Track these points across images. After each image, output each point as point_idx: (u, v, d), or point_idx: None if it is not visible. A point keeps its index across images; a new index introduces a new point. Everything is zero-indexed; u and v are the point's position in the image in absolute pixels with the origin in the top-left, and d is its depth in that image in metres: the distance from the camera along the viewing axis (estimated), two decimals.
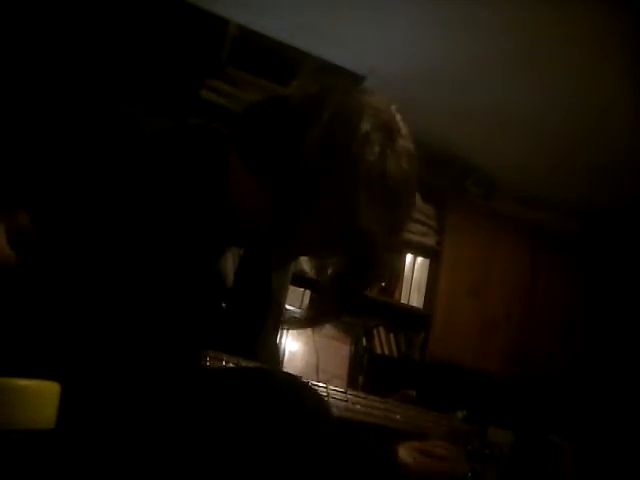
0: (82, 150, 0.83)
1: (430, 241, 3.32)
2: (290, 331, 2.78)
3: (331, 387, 0.94)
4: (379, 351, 3.14)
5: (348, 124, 0.79)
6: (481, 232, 3.38)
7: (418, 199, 3.31)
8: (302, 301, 2.95)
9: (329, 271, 0.88)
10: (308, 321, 0.97)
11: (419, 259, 3.31)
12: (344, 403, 0.95)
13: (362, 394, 0.99)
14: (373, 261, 0.82)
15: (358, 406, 0.97)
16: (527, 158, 3.16)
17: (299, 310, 2.88)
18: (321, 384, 0.94)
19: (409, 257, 3.29)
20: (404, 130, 0.84)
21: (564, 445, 3.13)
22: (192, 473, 0.69)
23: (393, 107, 0.85)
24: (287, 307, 2.88)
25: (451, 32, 2.37)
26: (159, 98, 2.37)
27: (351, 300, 0.88)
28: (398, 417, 1.02)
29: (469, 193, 3.36)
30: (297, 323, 1.14)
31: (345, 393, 0.96)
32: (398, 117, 0.84)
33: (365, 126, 0.78)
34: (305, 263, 0.97)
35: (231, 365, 0.83)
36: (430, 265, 3.32)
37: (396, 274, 3.23)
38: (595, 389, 3.24)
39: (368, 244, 0.79)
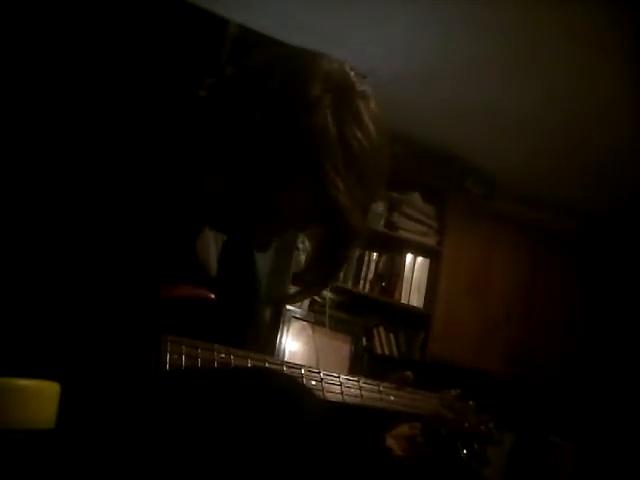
0: (65, 132, 0.84)
1: (430, 241, 3.32)
2: (290, 331, 2.78)
3: (324, 372, 0.94)
4: (379, 351, 3.14)
5: (296, 92, 0.76)
6: (481, 232, 3.38)
7: (418, 199, 3.31)
8: (302, 301, 2.95)
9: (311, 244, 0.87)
10: (297, 294, 0.96)
11: (419, 259, 3.31)
12: (337, 387, 0.95)
13: (355, 377, 0.99)
14: (348, 226, 0.79)
15: (352, 389, 0.97)
16: (527, 158, 3.16)
17: (299, 310, 2.89)
18: (314, 369, 0.94)
19: (409, 257, 3.29)
20: (361, 88, 0.79)
21: (564, 445, 3.13)
22: (190, 473, 0.69)
23: (347, 66, 0.81)
24: (287, 307, 2.88)
25: (451, 32, 2.37)
26: (159, 98, 2.37)
27: (334, 271, 0.87)
28: (392, 398, 1.02)
29: (469, 193, 3.36)
30: (289, 298, 1.13)
31: (338, 377, 0.96)
32: (353, 76, 0.80)
33: (314, 91, 0.75)
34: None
35: (222, 356, 0.83)
36: (430, 265, 3.32)
37: (396, 274, 3.24)
38: (595, 389, 3.24)
39: (338, 209, 0.76)
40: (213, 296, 0.85)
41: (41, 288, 0.77)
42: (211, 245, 0.94)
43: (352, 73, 0.80)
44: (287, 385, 0.77)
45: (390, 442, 1.03)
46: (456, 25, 2.32)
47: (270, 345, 1.16)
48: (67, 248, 0.79)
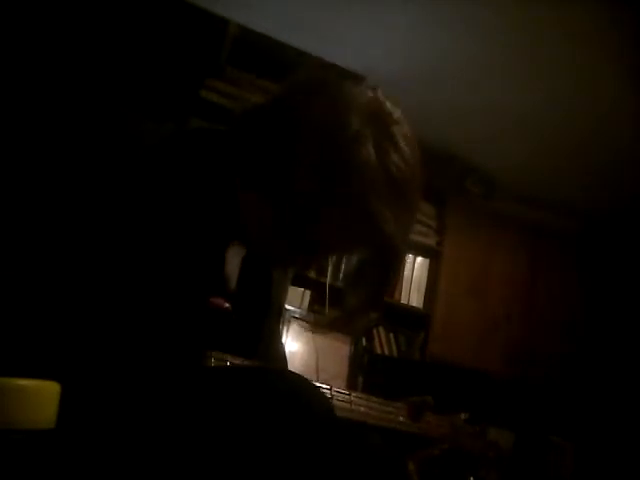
0: (86, 161, 0.84)
1: (430, 241, 3.32)
2: (290, 331, 2.78)
3: (335, 388, 0.94)
4: (379, 351, 3.14)
5: (336, 127, 0.76)
6: (481, 232, 3.38)
7: None
8: (302, 301, 2.95)
9: (351, 271, 0.87)
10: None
11: (419, 259, 3.31)
12: (347, 405, 0.95)
13: (365, 396, 0.99)
14: (392, 256, 0.81)
15: (362, 408, 0.97)
16: (527, 158, 3.16)
17: (299, 310, 2.88)
18: (325, 385, 0.94)
19: (409, 257, 3.29)
20: (396, 114, 0.81)
21: (564, 445, 3.13)
22: (194, 473, 0.69)
23: (379, 93, 0.82)
24: (287, 307, 2.88)
25: (451, 32, 2.37)
26: (160, 99, 2.37)
27: (378, 297, 0.87)
28: (401, 419, 1.02)
29: (469, 193, 3.36)
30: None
31: (349, 395, 0.96)
32: (387, 104, 0.81)
33: (355, 125, 0.76)
34: None
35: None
36: (430, 265, 3.32)
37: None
38: (595, 389, 3.24)
39: (385, 240, 0.77)
40: (228, 305, 0.86)
41: (46, 289, 0.78)
42: (232, 258, 0.94)
43: (385, 99, 0.81)
44: (296, 384, 0.77)
45: (410, 466, 1.02)
46: (456, 25, 2.32)
47: (281, 349, 1.15)
48: (95, 262, 0.79)
